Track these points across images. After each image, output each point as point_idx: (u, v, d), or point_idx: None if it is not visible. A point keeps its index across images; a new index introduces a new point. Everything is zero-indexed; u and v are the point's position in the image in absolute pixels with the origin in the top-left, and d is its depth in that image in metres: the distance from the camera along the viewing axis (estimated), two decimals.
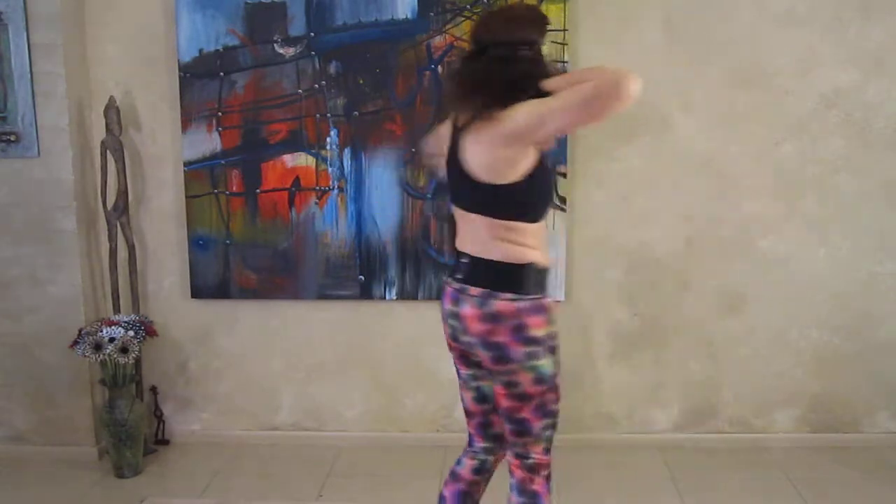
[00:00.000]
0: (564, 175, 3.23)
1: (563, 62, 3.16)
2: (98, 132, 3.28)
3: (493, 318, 1.95)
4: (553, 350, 2.02)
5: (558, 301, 3.29)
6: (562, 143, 3.20)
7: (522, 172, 1.91)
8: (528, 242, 1.97)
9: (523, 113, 1.83)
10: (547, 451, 2.08)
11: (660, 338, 3.37)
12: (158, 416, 3.47)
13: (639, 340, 3.38)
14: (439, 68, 3.19)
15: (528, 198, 1.96)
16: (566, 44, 3.14)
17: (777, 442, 3.38)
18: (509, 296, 1.94)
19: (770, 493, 3.01)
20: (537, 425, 2.03)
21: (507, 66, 1.90)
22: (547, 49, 2.02)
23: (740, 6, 3.16)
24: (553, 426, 2.08)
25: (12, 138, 3.17)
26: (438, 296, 3.29)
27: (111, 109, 3.21)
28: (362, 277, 3.32)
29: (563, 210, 3.25)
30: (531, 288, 1.97)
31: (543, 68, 1.94)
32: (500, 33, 1.94)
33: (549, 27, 1.99)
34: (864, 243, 3.28)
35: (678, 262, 3.32)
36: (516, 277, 1.96)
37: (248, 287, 3.37)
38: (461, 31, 3.17)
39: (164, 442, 3.47)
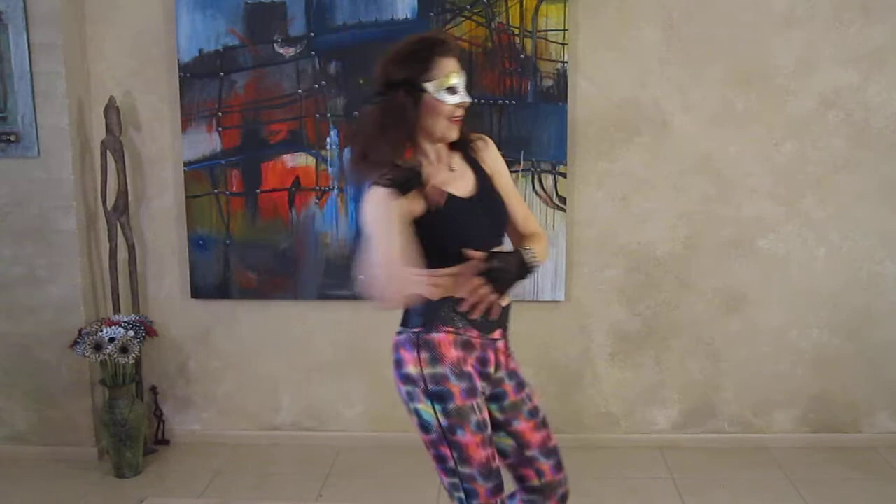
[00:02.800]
0: (564, 175, 3.23)
1: (563, 62, 3.16)
2: (98, 132, 3.28)
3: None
4: (434, 397, 1.80)
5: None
6: (561, 144, 3.20)
7: None
8: None
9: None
10: None
11: (660, 338, 3.37)
12: (158, 416, 3.47)
13: (639, 340, 3.38)
14: None
15: None
16: (566, 44, 3.14)
17: (777, 442, 3.38)
18: (400, 329, 1.90)
19: (770, 493, 3.01)
20: (443, 479, 1.85)
21: None
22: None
23: (740, 6, 3.16)
24: (462, 490, 1.81)
25: (12, 138, 3.17)
26: None
27: (111, 109, 3.21)
28: (362, 277, 3.32)
29: (563, 210, 3.25)
30: (413, 319, 1.86)
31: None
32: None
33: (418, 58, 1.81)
34: (864, 243, 3.28)
35: (678, 262, 3.32)
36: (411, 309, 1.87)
37: (248, 287, 3.37)
38: (461, 31, 3.17)
39: (164, 442, 3.47)
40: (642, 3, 3.18)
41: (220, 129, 3.27)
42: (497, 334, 1.90)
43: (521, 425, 1.92)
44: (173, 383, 3.50)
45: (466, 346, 1.84)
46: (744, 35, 3.17)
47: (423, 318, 1.85)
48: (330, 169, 3.27)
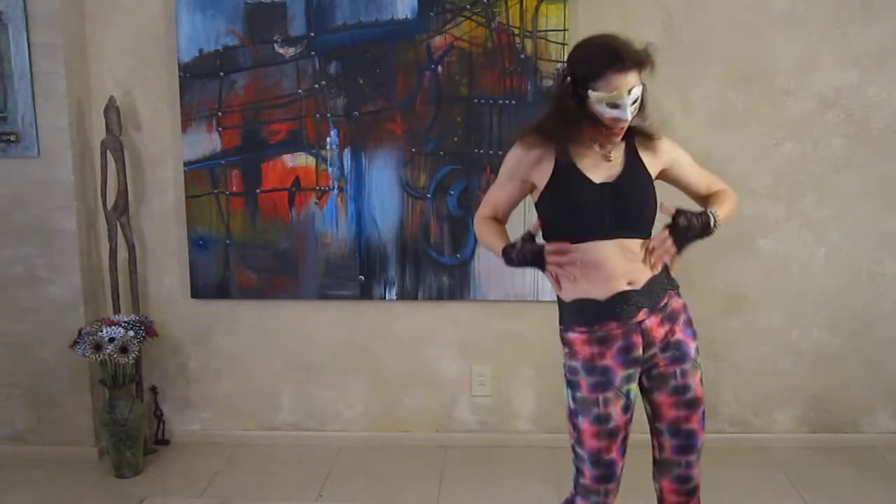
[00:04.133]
0: None
1: (564, 62, 3.15)
2: (98, 132, 3.28)
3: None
4: (569, 384, 2.11)
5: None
6: None
7: None
8: None
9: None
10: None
11: None
12: (158, 416, 3.47)
13: None
14: (439, 68, 3.19)
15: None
16: (566, 44, 3.14)
17: (777, 442, 3.38)
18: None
19: (770, 493, 3.01)
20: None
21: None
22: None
23: (740, 6, 3.16)
24: (574, 466, 2.14)
25: (12, 138, 3.17)
26: (439, 296, 3.31)
27: (111, 109, 3.21)
28: (362, 277, 3.32)
29: None
30: (561, 316, 2.09)
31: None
32: None
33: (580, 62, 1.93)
34: (863, 243, 3.28)
35: (678, 261, 3.31)
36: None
37: (248, 287, 3.37)
38: (461, 31, 3.17)
39: (164, 442, 3.47)
40: (642, 3, 3.18)
41: (220, 129, 3.27)
42: (641, 315, 1.98)
43: (661, 397, 2.01)
44: (173, 383, 3.50)
45: (603, 341, 1.96)
46: (743, 35, 3.17)
47: (561, 315, 2.04)
48: (330, 169, 3.27)
